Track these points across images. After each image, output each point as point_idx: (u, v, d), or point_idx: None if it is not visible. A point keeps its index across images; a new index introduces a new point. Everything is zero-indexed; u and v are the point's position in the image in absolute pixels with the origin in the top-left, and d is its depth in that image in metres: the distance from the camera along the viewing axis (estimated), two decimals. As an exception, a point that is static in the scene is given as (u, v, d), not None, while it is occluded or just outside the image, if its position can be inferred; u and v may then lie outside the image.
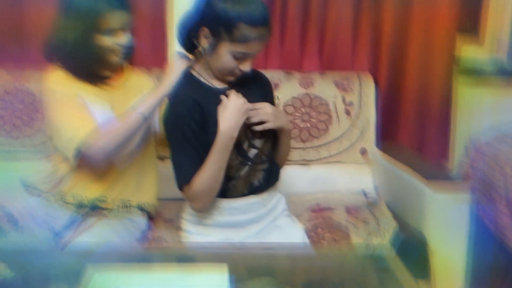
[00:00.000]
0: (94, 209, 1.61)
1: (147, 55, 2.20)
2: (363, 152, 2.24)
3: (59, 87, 1.53)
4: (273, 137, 1.60)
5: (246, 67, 1.47)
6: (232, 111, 1.45)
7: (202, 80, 1.53)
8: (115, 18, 1.50)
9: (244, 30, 1.39)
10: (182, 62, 1.52)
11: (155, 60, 2.20)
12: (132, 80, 1.70)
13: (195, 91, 1.50)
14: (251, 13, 1.39)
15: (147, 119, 1.51)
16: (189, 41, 1.49)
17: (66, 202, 1.60)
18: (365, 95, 2.23)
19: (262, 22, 1.41)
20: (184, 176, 1.47)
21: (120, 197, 1.63)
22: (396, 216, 1.88)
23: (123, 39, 1.54)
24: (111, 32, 1.51)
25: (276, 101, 1.80)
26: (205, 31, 1.43)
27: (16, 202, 1.57)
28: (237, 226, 1.57)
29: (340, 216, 1.88)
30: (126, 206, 1.65)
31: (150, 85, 1.69)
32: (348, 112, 2.22)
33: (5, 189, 1.82)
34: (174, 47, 2.18)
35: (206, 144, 1.46)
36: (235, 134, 1.46)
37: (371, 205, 2.03)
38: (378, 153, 2.20)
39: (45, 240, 1.56)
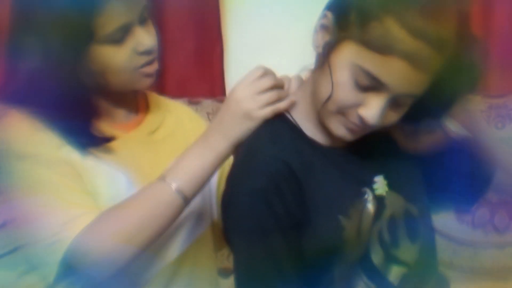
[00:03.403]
0: None
1: (192, 79, 1.69)
2: None
3: (30, 148, 0.89)
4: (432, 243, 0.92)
5: (372, 111, 0.78)
6: None
7: (303, 129, 0.88)
8: (119, 11, 0.86)
9: (394, 28, 0.72)
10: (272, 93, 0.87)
11: (206, 87, 1.70)
12: (168, 120, 1.07)
13: (287, 148, 0.85)
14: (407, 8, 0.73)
15: (187, 199, 0.88)
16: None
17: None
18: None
19: (424, 34, 0.73)
20: None
21: None
22: None
23: (143, 39, 0.89)
24: (117, 35, 0.87)
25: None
26: (327, 18, 0.81)
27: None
28: None
29: None
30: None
31: (202, 130, 1.00)
32: None
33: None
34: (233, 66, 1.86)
35: (301, 242, 0.81)
36: None
37: None
38: None
39: None
